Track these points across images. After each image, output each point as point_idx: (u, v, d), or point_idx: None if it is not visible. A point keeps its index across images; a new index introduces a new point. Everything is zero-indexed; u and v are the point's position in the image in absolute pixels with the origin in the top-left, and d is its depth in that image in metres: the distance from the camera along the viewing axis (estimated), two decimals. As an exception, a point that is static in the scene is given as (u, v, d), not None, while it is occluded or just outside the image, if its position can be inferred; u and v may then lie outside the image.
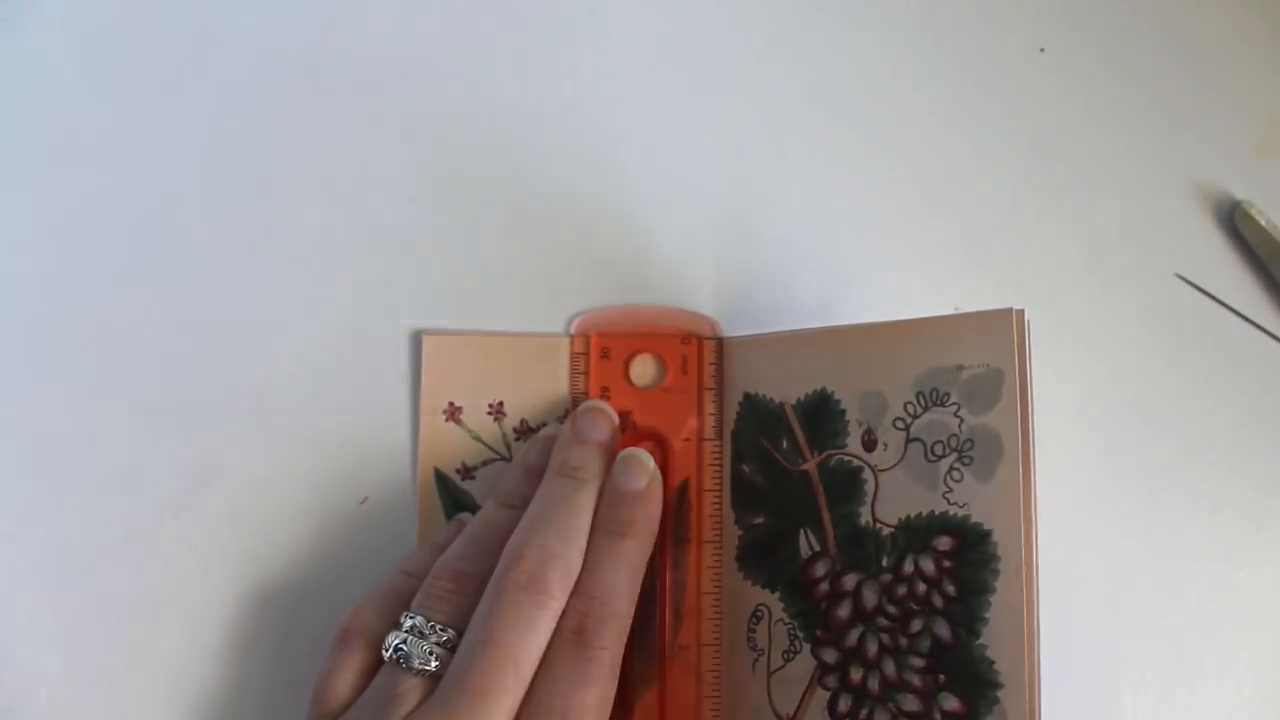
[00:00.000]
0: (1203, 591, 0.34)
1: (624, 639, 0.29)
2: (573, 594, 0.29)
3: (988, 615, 0.27)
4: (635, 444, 0.32)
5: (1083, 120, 0.37)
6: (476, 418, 0.33)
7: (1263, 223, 0.36)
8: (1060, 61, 0.37)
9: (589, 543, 0.30)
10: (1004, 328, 0.27)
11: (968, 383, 0.28)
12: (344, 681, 0.29)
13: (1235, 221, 0.36)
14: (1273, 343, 0.36)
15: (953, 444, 0.28)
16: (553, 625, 0.28)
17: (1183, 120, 0.37)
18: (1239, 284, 0.36)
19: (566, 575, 0.28)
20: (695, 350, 0.33)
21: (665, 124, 0.36)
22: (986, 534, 0.27)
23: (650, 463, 0.31)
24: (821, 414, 0.31)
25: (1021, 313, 0.27)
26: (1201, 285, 0.36)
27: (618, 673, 0.28)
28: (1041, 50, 0.37)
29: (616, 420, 0.32)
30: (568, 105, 0.36)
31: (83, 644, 0.33)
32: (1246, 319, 0.36)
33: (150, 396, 0.34)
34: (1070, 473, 0.34)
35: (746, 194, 0.36)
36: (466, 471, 0.33)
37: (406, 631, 0.28)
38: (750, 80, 0.36)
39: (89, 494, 0.33)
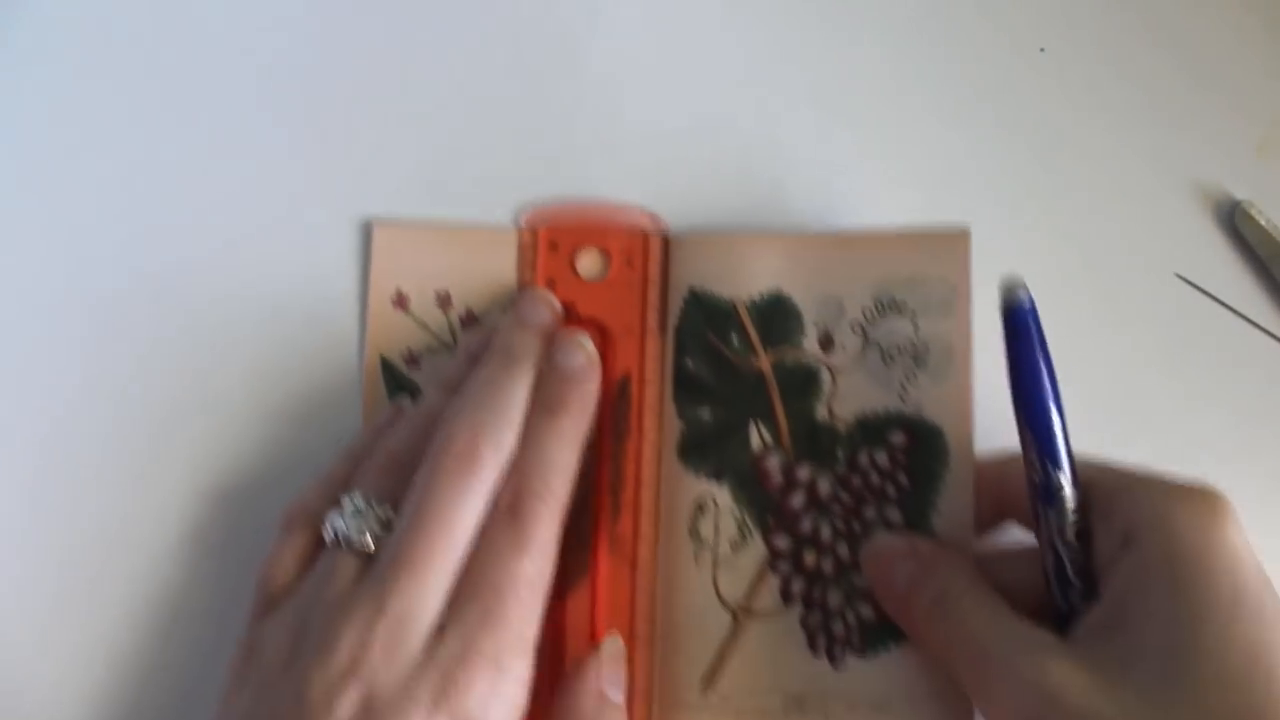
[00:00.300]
0: (1203, 591, 0.34)
1: (560, 517, 0.29)
2: (510, 472, 0.29)
3: (938, 501, 0.30)
4: None
5: (1082, 120, 0.37)
6: (424, 306, 0.34)
7: (1263, 223, 0.36)
8: (1060, 61, 0.37)
9: (527, 422, 0.30)
10: (960, 246, 0.31)
11: (925, 294, 0.31)
12: (286, 565, 0.29)
13: (1235, 221, 0.36)
14: (1273, 343, 0.36)
15: (908, 349, 0.31)
16: (486, 498, 0.28)
17: (1183, 120, 0.37)
18: (1239, 284, 0.36)
19: (498, 449, 0.28)
20: (641, 245, 0.34)
21: (633, 26, 0.37)
22: (938, 431, 0.31)
23: (588, 344, 0.31)
24: (777, 314, 0.32)
25: (969, 232, 0.31)
26: (1201, 285, 0.36)
27: (554, 551, 0.28)
28: (1041, 50, 0.37)
29: (558, 308, 0.33)
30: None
31: (36, 542, 0.33)
32: (1246, 319, 0.36)
33: (97, 287, 0.34)
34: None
35: (721, 130, 0.36)
36: (412, 359, 0.34)
37: (345, 511, 0.28)
38: (747, 75, 0.37)
39: (39, 389, 0.34)
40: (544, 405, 0.30)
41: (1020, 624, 0.27)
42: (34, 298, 0.34)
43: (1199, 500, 0.26)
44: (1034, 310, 0.27)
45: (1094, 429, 0.35)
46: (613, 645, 0.31)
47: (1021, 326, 0.27)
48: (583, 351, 0.31)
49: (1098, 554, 0.27)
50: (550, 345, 0.31)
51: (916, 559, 0.29)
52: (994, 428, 0.30)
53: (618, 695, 0.30)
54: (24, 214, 0.35)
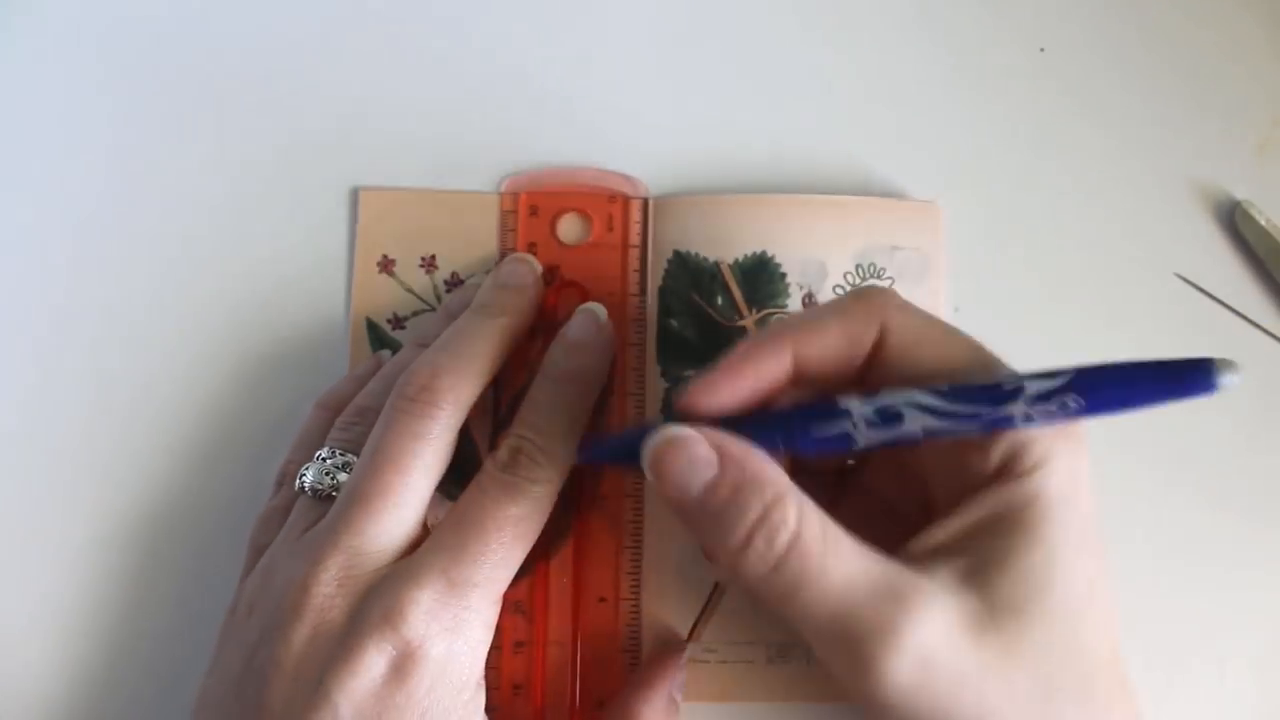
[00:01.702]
0: (1203, 591, 0.34)
1: (558, 478, 0.29)
2: (506, 434, 0.29)
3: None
4: (559, 296, 0.34)
5: (1082, 120, 0.37)
6: (409, 270, 0.35)
7: (1263, 223, 0.36)
8: (1060, 61, 0.37)
9: (531, 388, 0.30)
10: (933, 218, 0.34)
11: (902, 262, 0.34)
12: (272, 524, 0.30)
13: (1235, 221, 0.36)
14: (1273, 343, 0.36)
15: None
16: (445, 438, 0.28)
17: (1183, 120, 0.37)
18: (1239, 284, 0.36)
19: (456, 389, 0.28)
20: (621, 209, 0.35)
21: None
22: None
23: (603, 316, 0.32)
24: (761, 275, 0.33)
25: (939, 206, 0.34)
26: (1201, 285, 0.36)
27: (549, 507, 0.28)
28: (1041, 50, 0.37)
29: (539, 269, 0.33)
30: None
31: (23, 509, 0.33)
32: (1246, 319, 0.36)
33: (87, 254, 0.35)
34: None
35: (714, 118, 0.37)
36: (397, 321, 0.34)
37: (315, 463, 0.29)
38: (748, 69, 0.37)
39: (25, 356, 0.34)
40: (547, 371, 0.31)
41: (884, 567, 0.23)
42: (23, 266, 0.35)
43: (1063, 439, 0.24)
44: None
45: (1094, 429, 0.35)
46: (686, 652, 0.32)
47: None
48: (595, 323, 0.32)
49: (967, 470, 0.25)
50: (531, 306, 0.32)
51: (726, 472, 0.24)
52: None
53: (680, 697, 0.31)
54: (13, 182, 0.35)
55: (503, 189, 0.35)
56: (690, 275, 0.34)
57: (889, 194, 0.36)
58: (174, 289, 0.35)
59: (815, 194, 0.35)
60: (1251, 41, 0.38)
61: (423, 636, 0.25)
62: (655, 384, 0.33)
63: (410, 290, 0.34)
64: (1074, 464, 0.25)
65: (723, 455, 0.24)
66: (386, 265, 0.35)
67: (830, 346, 0.26)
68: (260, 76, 0.36)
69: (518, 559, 0.28)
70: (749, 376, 0.26)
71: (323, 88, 0.36)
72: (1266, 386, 0.35)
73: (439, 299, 0.34)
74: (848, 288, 0.34)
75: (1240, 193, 0.36)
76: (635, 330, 0.34)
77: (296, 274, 0.35)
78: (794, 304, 0.34)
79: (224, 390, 0.34)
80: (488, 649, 0.27)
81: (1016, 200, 0.36)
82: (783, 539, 0.23)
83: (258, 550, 0.30)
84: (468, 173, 0.35)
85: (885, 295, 0.26)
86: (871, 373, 0.26)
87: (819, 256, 0.34)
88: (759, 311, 0.34)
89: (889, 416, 0.24)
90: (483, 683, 0.27)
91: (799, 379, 0.26)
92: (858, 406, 0.24)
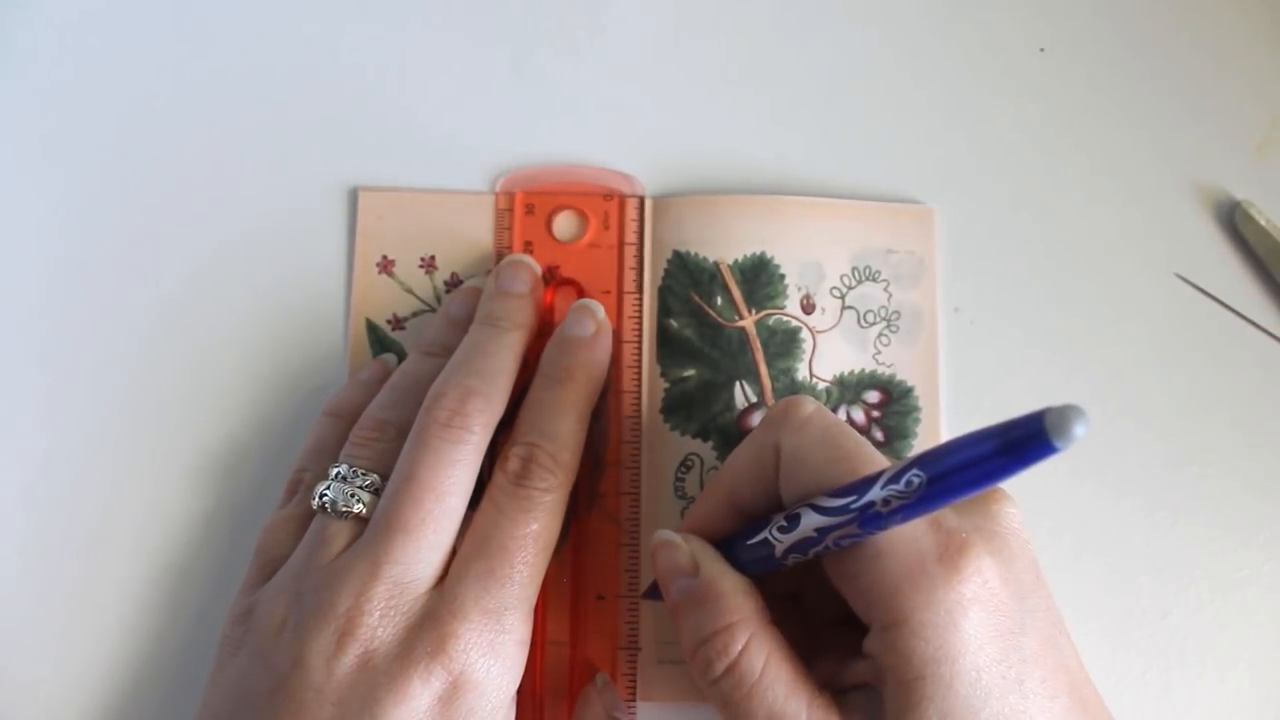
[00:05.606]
0: (1203, 592, 0.34)
1: (567, 483, 0.30)
2: (514, 440, 0.30)
3: (909, 456, 0.30)
4: (556, 294, 0.34)
5: (1082, 120, 0.37)
6: (409, 270, 0.35)
7: (1263, 223, 0.36)
8: (1060, 61, 0.37)
9: (532, 389, 0.31)
10: (927, 222, 0.35)
11: (896, 264, 0.35)
12: (282, 534, 0.30)
13: (1235, 221, 0.36)
14: (1273, 343, 0.36)
15: (882, 314, 0.34)
16: (475, 461, 0.29)
17: (1183, 120, 0.37)
18: (1239, 284, 0.36)
19: (487, 412, 0.29)
20: (618, 207, 0.35)
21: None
22: (910, 389, 0.34)
23: (600, 313, 0.32)
24: (760, 275, 0.34)
25: (934, 210, 0.35)
26: (1201, 285, 0.36)
27: (562, 512, 0.29)
28: (1041, 50, 0.37)
29: (538, 271, 0.34)
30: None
31: (30, 518, 0.33)
32: (1246, 319, 0.36)
33: (87, 257, 0.35)
34: (1069, 473, 0.34)
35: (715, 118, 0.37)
36: (397, 322, 0.35)
37: (333, 479, 0.29)
38: (747, 69, 0.37)
39: (28, 364, 0.34)
40: (549, 373, 0.31)
41: (807, 707, 0.25)
42: (20, 271, 0.35)
43: (928, 591, 0.24)
44: None
45: (1094, 429, 0.35)
46: (599, 680, 0.32)
47: None
48: (593, 320, 0.32)
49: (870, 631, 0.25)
50: (536, 313, 0.33)
51: (696, 586, 0.26)
52: (955, 388, 0.34)
53: (622, 715, 0.31)
54: (17, 188, 0.36)
55: (498, 188, 0.35)
56: (690, 275, 0.34)
57: (891, 193, 0.36)
58: (173, 290, 0.35)
59: (813, 195, 0.35)
60: (1251, 41, 0.38)
61: (464, 665, 0.26)
62: (656, 384, 0.34)
63: (410, 291, 0.35)
64: (944, 620, 0.23)
65: (699, 569, 0.27)
66: (386, 266, 0.35)
67: (744, 475, 0.28)
68: (259, 77, 0.37)
69: (542, 570, 0.29)
70: (701, 524, 0.29)
71: (322, 88, 0.37)
72: (1266, 386, 0.35)
73: (439, 300, 0.35)
74: (844, 290, 0.34)
75: (1240, 193, 0.36)
76: (632, 328, 0.34)
77: (296, 274, 0.35)
78: (792, 305, 0.34)
79: (224, 391, 0.35)
80: (523, 665, 0.28)
81: (1017, 200, 0.36)
82: (721, 664, 0.25)
83: (265, 559, 0.30)
84: (469, 173, 0.36)
85: (785, 415, 0.27)
86: (783, 492, 0.27)
87: (816, 258, 0.34)
88: (758, 312, 0.34)
89: (791, 519, 0.25)
90: (515, 699, 0.28)
91: (739, 513, 0.28)
92: (774, 518, 0.26)
